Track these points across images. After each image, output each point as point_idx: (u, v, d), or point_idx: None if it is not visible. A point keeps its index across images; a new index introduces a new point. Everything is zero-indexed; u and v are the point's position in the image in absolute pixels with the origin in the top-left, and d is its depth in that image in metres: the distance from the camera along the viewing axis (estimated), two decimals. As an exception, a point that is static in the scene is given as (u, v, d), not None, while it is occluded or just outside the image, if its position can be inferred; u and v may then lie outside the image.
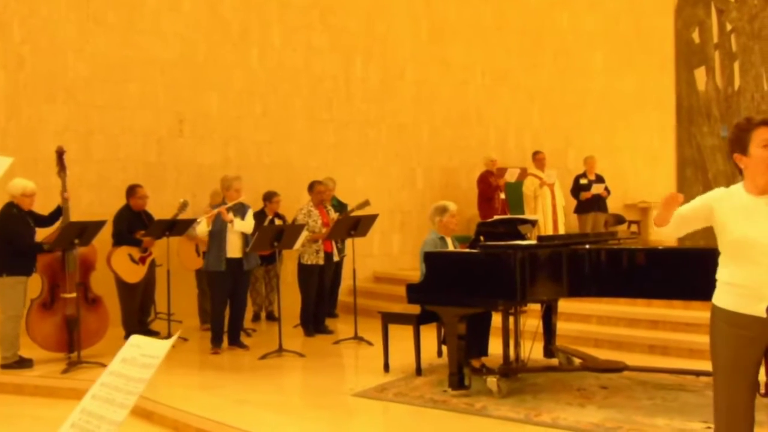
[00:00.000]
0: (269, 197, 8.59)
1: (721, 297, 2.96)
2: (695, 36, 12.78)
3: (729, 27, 12.71)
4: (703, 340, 6.35)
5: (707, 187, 12.66)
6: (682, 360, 6.16)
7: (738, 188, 2.99)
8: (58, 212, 6.79)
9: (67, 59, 8.46)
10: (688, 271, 4.85)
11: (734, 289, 2.89)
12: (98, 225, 6.67)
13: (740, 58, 12.63)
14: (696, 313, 6.66)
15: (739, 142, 2.92)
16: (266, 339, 7.57)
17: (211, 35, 9.29)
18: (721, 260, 3.00)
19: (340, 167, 9.87)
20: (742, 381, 2.88)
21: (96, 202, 8.39)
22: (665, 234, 3.13)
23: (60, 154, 6.86)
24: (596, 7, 11.90)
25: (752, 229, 2.83)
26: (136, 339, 2.09)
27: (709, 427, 4.38)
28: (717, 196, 3.01)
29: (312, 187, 8.02)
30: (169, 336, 7.43)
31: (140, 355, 1.99)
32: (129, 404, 1.91)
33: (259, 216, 8.29)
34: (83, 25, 8.54)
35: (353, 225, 7.58)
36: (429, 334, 6.34)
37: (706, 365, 5.54)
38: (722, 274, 2.97)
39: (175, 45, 9.06)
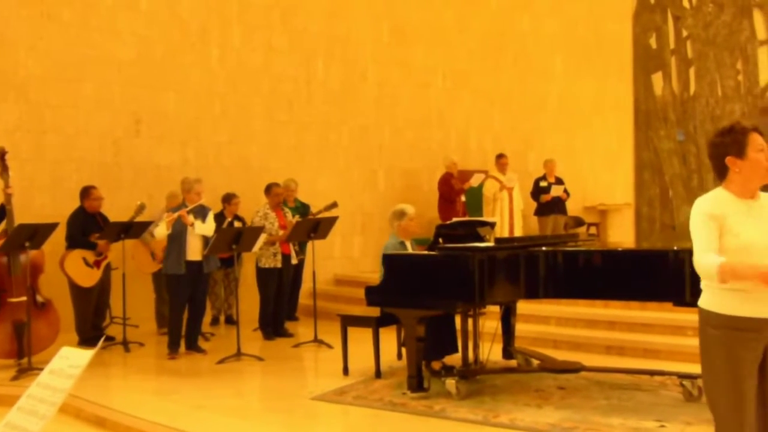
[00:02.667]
0: (228, 199, 8.49)
1: (720, 302, 2.91)
2: (652, 41, 13.01)
3: (685, 33, 12.96)
4: (658, 340, 6.53)
5: (664, 190, 12.89)
6: (637, 360, 6.24)
7: (723, 194, 2.97)
8: (2, 210, 6.61)
9: (19, 56, 8.25)
10: (645, 272, 4.90)
11: (738, 293, 2.85)
12: (50, 227, 6.51)
13: (696, 64, 12.89)
14: (652, 313, 6.78)
15: (735, 145, 2.92)
16: (225, 343, 7.47)
17: (169, 34, 9.15)
18: None
19: (301, 169, 9.80)
20: (749, 384, 2.88)
21: (49, 203, 8.20)
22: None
23: (1, 155, 6.67)
24: (556, 12, 12.01)
25: (755, 232, 2.84)
26: (65, 351, 2.05)
27: (662, 426, 4.44)
28: (714, 203, 2.94)
29: (269, 189, 7.94)
30: (124, 341, 7.30)
31: (68, 366, 1.95)
32: (49, 415, 1.88)
33: (218, 218, 8.18)
34: (36, 21, 8.34)
35: (313, 227, 7.52)
36: (390, 337, 6.32)
37: (661, 365, 5.69)
38: None
39: (132, 44, 8.91)
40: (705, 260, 2.85)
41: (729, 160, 2.93)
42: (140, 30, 8.97)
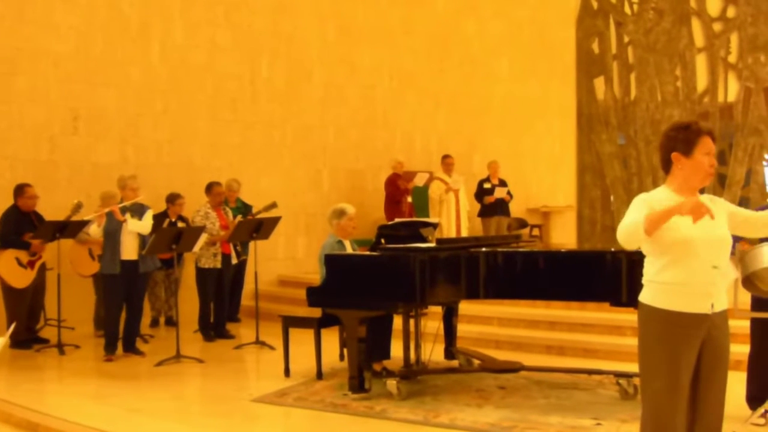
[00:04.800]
0: (172, 199, 8.34)
1: (661, 298, 2.95)
2: (595, 46, 13.28)
3: (626, 39, 13.26)
4: (597, 340, 6.65)
5: (605, 193, 13.16)
6: (577, 359, 6.36)
7: (664, 191, 3.03)
8: None
9: (-53, 49, 7.96)
10: (582, 273, 4.99)
11: (678, 288, 2.91)
12: (-20, 226, 6.29)
13: (636, 70, 13.21)
14: (591, 314, 6.90)
15: (685, 143, 2.97)
16: (164, 345, 7.32)
17: (108, 28, 8.92)
18: (658, 262, 2.98)
19: (245, 168, 9.68)
20: (686, 379, 2.93)
21: (-20, 202, 7.91)
22: (637, 243, 2.94)
23: None
24: (501, 16, 12.15)
25: (694, 228, 2.88)
26: None
27: (599, 424, 4.52)
28: (654, 197, 3.01)
29: (210, 188, 7.82)
30: (59, 344, 7.09)
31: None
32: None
33: (162, 218, 8.03)
34: (-34, 13, 8.05)
35: (255, 227, 7.43)
36: (332, 338, 6.29)
37: (599, 364, 5.80)
38: (661, 275, 2.96)
39: (70, 37, 8.65)
40: (627, 221, 2.88)
41: (674, 156, 3.00)
42: (78, 23, 8.72)
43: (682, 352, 2.92)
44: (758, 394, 4.44)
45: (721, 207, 3.05)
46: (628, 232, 2.87)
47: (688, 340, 2.92)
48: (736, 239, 3.38)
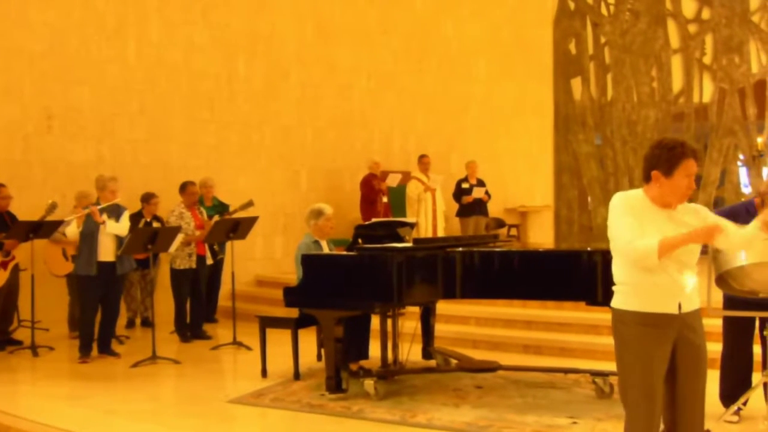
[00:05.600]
0: (147, 199, 8.26)
1: (631, 300, 3.02)
2: (572, 47, 13.36)
3: (603, 40, 13.36)
4: (574, 339, 6.69)
5: (582, 193, 13.24)
6: (554, 358, 6.39)
7: (641, 197, 3.07)
8: None
9: None
10: (558, 272, 5.01)
11: (647, 289, 2.97)
12: (-49, 226, 6.20)
13: (613, 70, 13.30)
14: (568, 313, 6.95)
15: (667, 163, 2.99)
16: (140, 346, 7.26)
17: (83, 26, 8.83)
18: (626, 265, 3.04)
19: (222, 168, 9.62)
20: (659, 377, 2.98)
21: (-48, 201, 7.78)
22: (649, 264, 2.98)
23: None
24: (480, 16, 12.18)
25: (666, 232, 2.94)
26: None
27: (575, 422, 4.55)
28: (634, 202, 3.05)
29: (184, 187, 7.77)
30: (33, 345, 7.00)
31: None
32: None
33: (137, 218, 7.96)
34: (-63, 10, 7.93)
35: (232, 227, 7.39)
36: (310, 338, 6.27)
37: (576, 363, 5.84)
38: (630, 277, 3.02)
39: (44, 35, 8.55)
40: (640, 244, 2.92)
41: (654, 174, 3.03)
42: (53, 21, 8.62)
43: (654, 353, 2.97)
44: (731, 392, 4.50)
45: (704, 216, 3.11)
46: (643, 255, 2.93)
47: (659, 339, 2.97)
48: None
